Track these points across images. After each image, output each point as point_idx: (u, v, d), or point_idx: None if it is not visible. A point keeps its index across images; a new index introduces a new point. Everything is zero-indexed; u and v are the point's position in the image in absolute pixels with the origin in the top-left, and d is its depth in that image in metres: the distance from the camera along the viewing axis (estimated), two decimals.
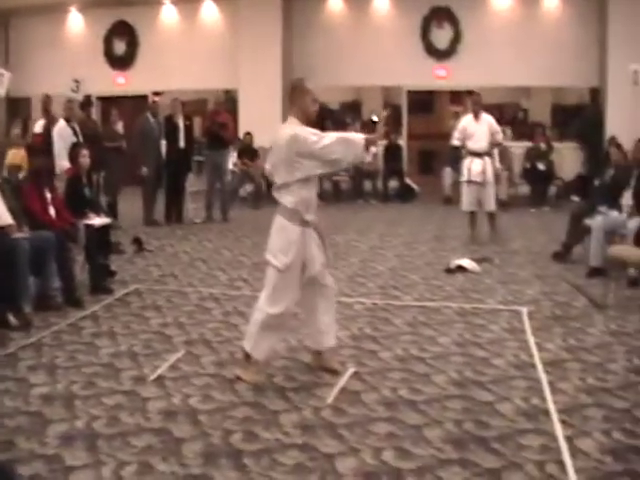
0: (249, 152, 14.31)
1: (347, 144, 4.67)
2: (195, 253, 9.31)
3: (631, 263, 7.16)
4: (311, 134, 4.66)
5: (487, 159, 10.01)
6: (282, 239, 4.76)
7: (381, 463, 3.78)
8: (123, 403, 4.54)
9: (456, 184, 13.70)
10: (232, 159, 13.85)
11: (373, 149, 5.37)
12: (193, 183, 13.06)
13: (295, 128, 4.71)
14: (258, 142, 14.54)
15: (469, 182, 10.01)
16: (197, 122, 13.81)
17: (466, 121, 10.24)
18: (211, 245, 9.90)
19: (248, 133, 14.57)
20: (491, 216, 10.21)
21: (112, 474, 3.65)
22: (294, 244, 4.72)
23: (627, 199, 8.04)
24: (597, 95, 15.22)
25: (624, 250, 7.23)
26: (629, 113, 13.09)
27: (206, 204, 12.07)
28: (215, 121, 12.08)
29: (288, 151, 4.66)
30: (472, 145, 10.05)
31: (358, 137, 4.74)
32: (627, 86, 13.69)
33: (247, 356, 4.93)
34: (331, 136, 4.68)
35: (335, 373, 4.99)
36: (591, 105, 15.49)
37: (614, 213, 8.06)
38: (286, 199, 4.75)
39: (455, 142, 10.41)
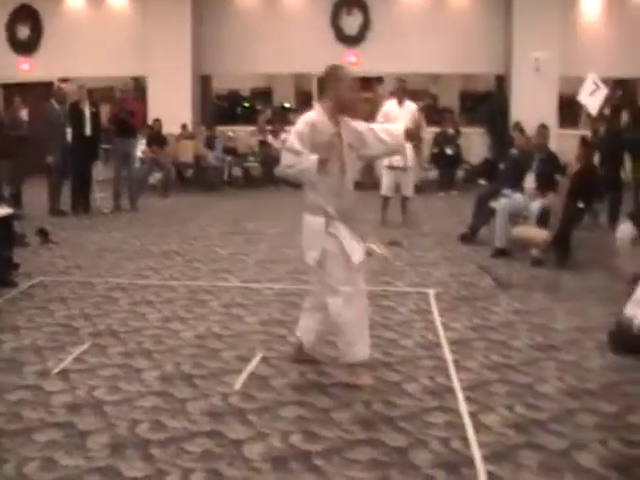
0: (158, 139, 14.07)
1: (302, 160, 4.42)
2: (102, 243, 9.10)
3: (534, 243, 7.38)
4: (295, 132, 4.47)
5: (408, 145, 10.08)
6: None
7: (289, 447, 3.79)
8: (26, 398, 4.39)
9: (367, 168, 13.80)
10: (141, 147, 13.60)
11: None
12: (101, 172, 12.77)
13: (303, 118, 4.55)
14: (167, 129, 14.35)
15: (390, 167, 10.14)
16: (105, 110, 13.46)
17: (389, 106, 10.36)
18: (119, 234, 9.69)
19: (157, 120, 14.32)
20: (405, 201, 10.38)
21: (15, 471, 3.54)
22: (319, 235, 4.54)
23: (530, 182, 8.28)
24: (503, 82, 15.59)
25: (527, 231, 7.45)
26: (532, 99, 13.46)
27: (114, 193, 11.79)
28: (123, 108, 11.84)
29: None
30: None
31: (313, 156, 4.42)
32: (530, 73, 14.08)
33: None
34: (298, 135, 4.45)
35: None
36: (497, 92, 15.85)
37: (518, 195, 8.28)
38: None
39: None
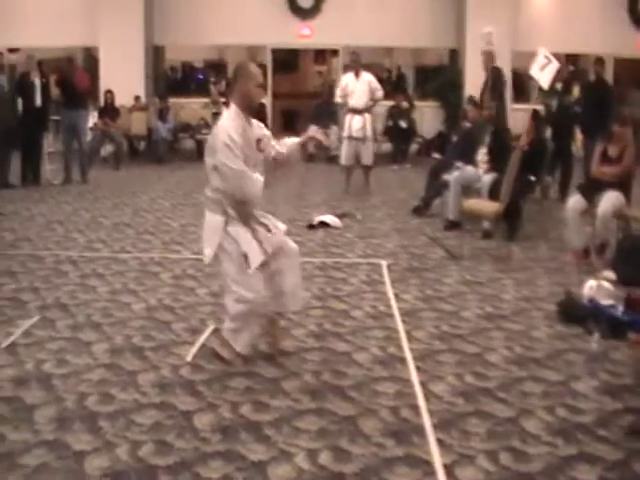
0: (110, 111, 13.83)
1: (247, 181, 4.29)
2: (52, 215, 8.94)
3: (484, 216, 7.46)
4: (228, 145, 4.23)
5: (367, 116, 10.54)
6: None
7: (238, 417, 3.79)
8: None
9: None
10: (92, 119, 13.36)
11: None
12: (51, 143, 12.53)
13: (224, 122, 4.34)
14: (119, 101, 14.11)
15: (350, 138, 10.50)
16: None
17: (347, 79, 10.64)
18: (69, 207, 9.54)
19: (109, 91, 14.06)
20: (366, 170, 10.70)
21: None
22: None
23: (481, 155, 8.34)
24: (456, 56, 15.64)
25: (478, 203, 7.51)
26: (485, 73, 13.48)
27: (64, 165, 11.59)
28: (69, 73, 11.53)
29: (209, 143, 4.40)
30: (352, 102, 10.49)
31: (259, 180, 4.32)
32: (482, 47, 14.09)
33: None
34: (243, 165, 4.25)
35: (280, 352, 4.65)
36: (450, 65, 15.90)
37: (469, 168, 8.34)
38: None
39: (338, 100, 10.90)
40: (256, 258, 4.31)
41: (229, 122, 4.35)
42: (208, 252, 4.43)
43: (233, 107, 4.44)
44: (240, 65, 4.58)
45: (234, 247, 4.33)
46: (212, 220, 4.42)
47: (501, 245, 7.40)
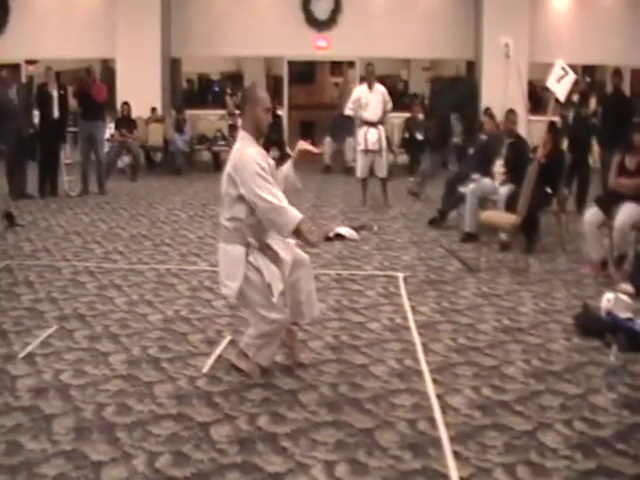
0: (127, 123, 13.92)
1: (280, 216, 4.17)
2: (70, 226, 9.00)
3: (501, 227, 7.44)
4: (260, 174, 4.19)
5: (381, 128, 10.53)
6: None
7: (256, 429, 3.79)
8: None
9: (337, 153, 13.98)
10: (109, 130, 13.46)
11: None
12: (69, 155, 12.61)
13: (245, 151, 4.27)
14: (136, 113, 14.21)
15: (365, 151, 10.47)
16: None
17: (360, 91, 10.61)
18: (87, 218, 9.60)
19: (126, 103, 14.16)
20: (383, 182, 10.68)
21: None
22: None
23: (498, 167, 8.33)
24: (473, 67, 15.64)
25: (495, 215, 7.50)
26: (501, 85, 13.48)
27: (81, 176, 11.66)
28: (87, 85, 11.61)
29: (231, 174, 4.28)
30: (367, 115, 10.47)
31: (295, 217, 4.19)
32: (499, 59, 14.10)
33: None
34: (277, 195, 4.19)
35: (298, 364, 4.64)
36: (467, 77, 15.89)
37: (486, 180, 8.33)
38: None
39: (348, 112, 10.86)
40: (278, 287, 4.28)
41: (251, 149, 4.30)
42: (234, 286, 4.28)
43: (245, 134, 4.40)
44: (247, 90, 4.61)
45: (258, 277, 4.27)
46: (232, 252, 4.32)
47: (518, 257, 7.36)
